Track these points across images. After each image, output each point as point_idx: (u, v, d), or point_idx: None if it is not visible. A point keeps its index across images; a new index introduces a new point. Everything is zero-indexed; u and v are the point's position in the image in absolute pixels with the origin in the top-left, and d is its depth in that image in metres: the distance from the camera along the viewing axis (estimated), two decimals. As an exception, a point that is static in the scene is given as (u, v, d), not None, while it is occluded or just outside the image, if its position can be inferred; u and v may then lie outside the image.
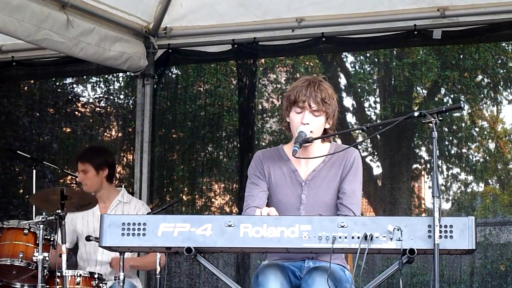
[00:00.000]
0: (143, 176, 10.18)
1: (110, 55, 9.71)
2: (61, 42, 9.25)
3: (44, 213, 8.26)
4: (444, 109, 5.60)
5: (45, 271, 8.01)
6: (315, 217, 5.64)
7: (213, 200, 12.70)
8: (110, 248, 5.90)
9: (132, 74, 10.35)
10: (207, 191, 12.30)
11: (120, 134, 11.90)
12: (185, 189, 11.76)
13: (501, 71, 13.76)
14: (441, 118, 5.52)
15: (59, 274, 8.12)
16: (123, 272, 8.24)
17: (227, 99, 11.40)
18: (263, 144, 10.81)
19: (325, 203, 6.12)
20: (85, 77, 11.71)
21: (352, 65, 14.76)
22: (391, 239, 5.40)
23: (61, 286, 8.22)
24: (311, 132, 6.05)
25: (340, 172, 6.16)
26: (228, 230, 5.55)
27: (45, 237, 8.11)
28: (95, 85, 12.25)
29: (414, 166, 15.44)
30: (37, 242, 8.16)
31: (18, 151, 9.40)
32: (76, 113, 12.46)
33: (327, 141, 6.27)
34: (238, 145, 10.92)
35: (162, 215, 5.87)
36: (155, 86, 10.29)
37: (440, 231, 5.35)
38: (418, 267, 5.20)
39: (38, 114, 12.01)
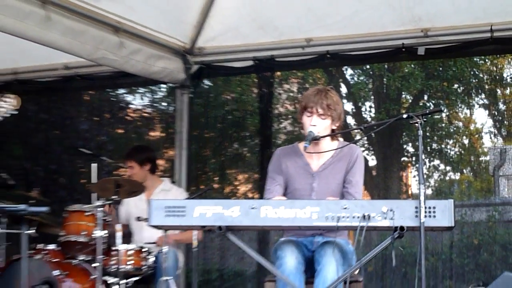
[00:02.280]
0: (182, 168, 10.20)
1: (155, 70, 9.75)
2: (115, 60, 9.27)
3: (102, 199, 8.32)
4: (427, 112, 5.68)
5: (103, 245, 8.06)
6: (323, 201, 5.68)
7: (238, 187, 12.74)
8: (156, 227, 5.91)
9: (172, 85, 10.37)
10: (233, 180, 12.35)
11: (163, 134, 11.94)
12: (216, 178, 11.82)
13: (474, 80, 13.79)
14: (425, 119, 5.62)
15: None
16: (167, 247, 8.29)
17: (250, 105, 11.45)
18: (279, 141, 10.82)
19: (333, 190, 6.16)
20: (134, 88, 11.68)
21: (351, 76, 14.81)
22: (385, 218, 5.44)
23: (116, 257, 8.26)
24: (318, 132, 6.10)
25: (346, 165, 6.23)
26: (252, 211, 5.58)
27: (103, 218, 8.15)
28: (142, 94, 12.29)
29: (403, 159, 15.48)
30: (96, 222, 8.19)
31: (80, 149, 9.41)
32: (127, 117, 12.49)
33: (335, 139, 6.33)
34: (259, 143, 10.95)
35: (198, 200, 5.89)
36: (191, 95, 10.29)
37: (425, 212, 5.39)
38: (407, 241, 5.23)
39: (96, 118, 12.05)
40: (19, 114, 6.92)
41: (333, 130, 6.23)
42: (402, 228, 5.39)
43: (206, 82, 10.63)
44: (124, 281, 8.31)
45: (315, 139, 6.12)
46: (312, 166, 6.29)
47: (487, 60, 14.13)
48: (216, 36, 9.79)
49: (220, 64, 10.15)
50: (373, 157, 14.57)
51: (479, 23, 8.78)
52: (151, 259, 8.46)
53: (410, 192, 15.78)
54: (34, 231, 7.64)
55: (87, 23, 8.79)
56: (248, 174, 12.67)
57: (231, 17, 9.48)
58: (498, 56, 11.69)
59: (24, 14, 8.11)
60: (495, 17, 8.68)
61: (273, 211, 5.55)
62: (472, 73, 13.66)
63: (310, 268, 5.93)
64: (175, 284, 8.43)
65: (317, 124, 6.15)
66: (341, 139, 6.39)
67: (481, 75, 14.62)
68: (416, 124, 5.53)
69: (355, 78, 14.94)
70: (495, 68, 14.88)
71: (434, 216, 5.37)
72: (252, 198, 11.77)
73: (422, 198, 5.32)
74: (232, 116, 11.82)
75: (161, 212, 5.65)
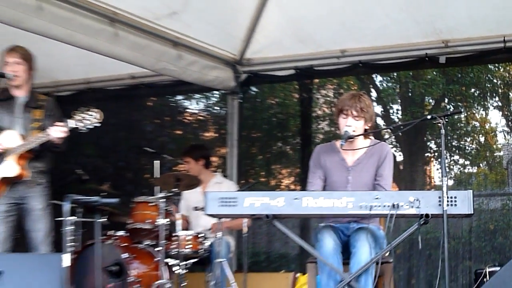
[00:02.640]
0: (233, 164, 10.19)
1: (209, 78, 9.74)
2: (174, 70, 9.30)
3: (164, 191, 8.32)
4: (448, 113, 5.66)
5: (165, 232, 8.07)
6: (357, 192, 5.70)
7: (282, 180, 12.71)
8: (211, 215, 5.98)
9: (224, 92, 10.37)
10: (277, 174, 12.32)
11: (216, 135, 11.95)
12: (262, 173, 11.80)
13: (488, 85, 13.69)
14: (446, 120, 5.56)
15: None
16: (221, 232, 8.27)
17: (292, 109, 11.42)
18: (318, 140, 10.75)
19: (365, 182, 6.13)
20: (190, 94, 11.69)
21: (380, 83, 14.71)
22: (412, 207, 5.42)
23: (177, 242, 8.26)
24: (353, 131, 6.08)
25: (377, 161, 6.19)
26: (295, 202, 5.59)
27: (165, 208, 8.15)
28: (198, 100, 12.29)
29: (426, 154, 15.36)
30: (159, 211, 8.19)
31: (144, 148, 9.42)
32: (185, 120, 12.51)
33: (368, 138, 6.29)
34: (300, 142, 10.94)
35: (247, 192, 5.86)
36: (240, 100, 10.28)
37: (447, 201, 5.33)
38: (431, 227, 5.19)
39: (158, 121, 12.08)
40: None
41: (365, 130, 6.19)
42: (427, 215, 5.37)
43: (253, 88, 10.61)
44: (184, 263, 8.32)
45: (350, 138, 6.10)
46: (347, 161, 6.24)
47: (500, 67, 14.02)
48: (262, 49, 9.77)
49: (265, 73, 10.11)
50: (400, 153, 14.46)
51: (493, 35, 8.69)
52: (207, 243, 8.47)
53: (433, 184, 15.62)
54: (105, 219, 7.74)
55: (149, 39, 8.82)
56: (291, 169, 12.64)
57: (274, 32, 9.46)
58: (510, 63, 11.60)
59: (95, 31, 8.15)
60: (507, 29, 8.59)
61: (313, 201, 5.55)
62: (487, 78, 13.58)
63: (346, 251, 5.89)
64: (227, 265, 8.42)
65: (351, 124, 6.12)
66: (372, 138, 6.35)
67: (495, 81, 14.53)
68: (439, 124, 5.51)
69: (384, 84, 14.86)
70: (507, 74, 14.77)
71: (455, 205, 5.33)
72: (294, 189, 11.73)
73: (444, 189, 5.29)
74: (276, 118, 11.80)
75: (215, 202, 5.67)
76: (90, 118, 6.90)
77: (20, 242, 7.39)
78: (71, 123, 6.89)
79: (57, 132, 6.88)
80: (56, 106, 7.39)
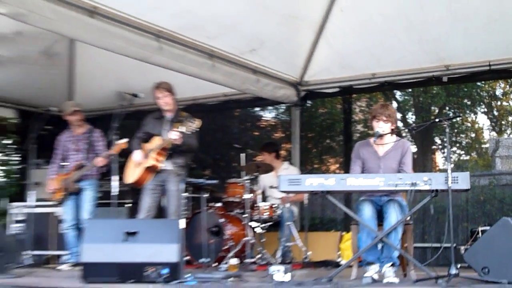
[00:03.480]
0: (296, 155, 10.17)
1: (278, 95, 9.77)
2: (254, 90, 9.35)
3: (248, 175, 8.39)
4: (451, 117, 5.71)
5: (250, 203, 8.15)
6: (387, 174, 5.74)
7: (329, 167, 12.65)
8: (283, 191, 5.99)
9: (289, 104, 10.36)
10: (327, 163, 12.26)
11: (283, 135, 11.95)
12: (316, 161, 11.75)
13: (477, 97, 13.55)
14: (450, 122, 5.54)
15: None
16: (288, 203, 8.33)
17: (336, 116, 11.45)
18: (355, 138, 10.70)
19: (392, 168, 6.07)
20: (265, 106, 11.73)
21: (399, 96, 14.59)
22: (425, 184, 5.43)
23: (258, 210, 8.33)
24: (382, 131, 6.08)
25: (400, 152, 6.16)
26: (342, 181, 5.65)
27: (249, 186, 8.23)
28: (270, 110, 12.31)
29: (432, 147, 15.23)
30: (245, 189, 8.27)
31: (234, 145, 9.53)
32: (261, 125, 12.53)
33: (393, 135, 6.24)
34: (343, 139, 10.90)
35: (307, 175, 5.88)
36: (300, 110, 10.28)
37: (451, 180, 5.31)
38: (439, 198, 5.17)
39: (242, 126, 12.12)
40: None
41: (391, 130, 6.18)
42: (436, 190, 5.42)
43: (309, 102, 10.57)
44: (263, 225, 8.41)
45: (381, 136, 6.10)
46: (379, 152, 6.20)
47: (486, 84, 13.90)
48: (315, 74, 9.76)
49: (318, 90, 10.09)
50: (415, 146, 14.37)
51: (480, 61, 8.63)
52: (279, 211, 8.51)
53: (437, 168, 15.51)
54: (207, 195, 7.80)
55: (236, 68, 8.90)
56: (336, 158, 12.60)
57: (324, 62, 9.44)
58: (493, 81, 11.50)
59: (199, 64, 8.32)
60: (491, 57, 8.51)
61: (355, 181, 5.62)
62: (476, 92, 13.46)
63: (379, 217, 5.87)
64: (293, 226, 8.49)
65: (381, 126, 6.11)
66: (395, 136, 6.34)
67: (482, 93, 14.41)
68: (444, 125, 5.55)
69: (402, 97, 14.78)
70: (491, 89, 14.64)
71: (457, 182, 5.34)
72: (339, 173, 11.70)
73: (449, 171, 5.31)
74: (325, 122, 11.80)
75: (286, 182, 5.72)
76: (193, 125, 7.01)
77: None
78: (181, 128, 7.00)
79: (172, 134, 7.01)
80: (190, 118, 7.46)
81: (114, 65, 9.24)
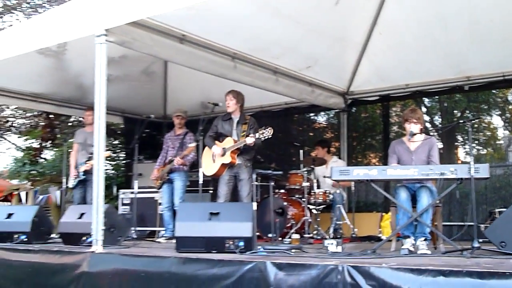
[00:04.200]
0: (344, 151, 10.08)
1: (329, 103, 9.69)
2: (310, 99, 9.33)
3: (305, 167, 8.37)
4: (472, 119, 5.63)
5: (307, 189, 8.12)
6: (419, 165, 5.67)
7: (372, 160, 12.44)
8: (334, 180, 6.01)
9: (338, 110, 10.27)
10: (368, 157, 12.08)
11: (332, 135, 11.82)
12: (359, 156, 11.59)
13: (493, 102, 13.16)
14: (471, 123, 5.45)
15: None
16: (338, 190, 8.27)
17: (377, 119, 11.21)
18: (391, 137, 10.48)
19: (423, 160, 6.00)
20: (318, 112, 11.64)
21: (428, 102, 14.27)
22: (452, 173, 5.34)
23: (314, 195, 8.30)
24: (414, 131, 6.01)
25: (429, 148, 6.08)
26: (383, 171, 5.58)
27: (307, 176, 8.21)
28: (322, 115, 12.18)
29: (455, 144, 14.88)
30: (303, 178, 8.26)
31: (294, 143, 9.54)
32: (315, 127, 12.43)
33: (422, 134, 6.16)
34: (382, 138, 10.74)
35: (354, 167, 5.85)
36: (347, 115, 10.20)
37: (474, 170, 5.21)
38: (463, 186, 5.07)
39: (300, 128, 12.05)
40: (262, 125, 7.09)
41: (421, 130, 6.11)
42: (461, 179, 5.30)
43: (354, 108, 10.46)
44: (318, 207, 8.39)
45: (413, 135, 6.04)
46: (411, 148, 6.12)
47: (500, 92, 13.52)
48: (359, 85, 9.65)
49: (361, 99, 9.98)
50: (441, 143, 14.06)
51: (496, 72, 8.43)
52: (331, 196, 8.47)
53: (460, 161, 15.15)
54: (273, 183, 7.79)
55: (296, 81, 8.88)
56: (376, 153, 12.38)
57: (366, 75, 9.34)
58: (506, 89, 11.22)
59: (265, 78, 8.36)
60: (504, 68, 8.31)
61: (394, 171, 5.56)
62: (492, 98, 13.11)
63: (413, 200, 5.82)
64: (343, 208, 8.44)
65: (413, 127, 6.06)
66: (424, 134, 6.25)
67: (497, 99, 14.02)
68: (467, 126, 5.56)
69: (430, 103, 14.50)
70: (503, 95, 14.24)
71: (479, 172, 5.22)
72: (379, 165, 11.56)
73: (472, 163, 5.21)
74: (367, 125, 11.59)
75: (337, 173, 5.72)
76: (266, 133, 7.07)
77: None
78: (257, 135, 7.08)
79: (250, 140, 7.08)
80: (255, 122, 7.54)
81: (198, 80, 9.35)
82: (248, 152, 7.43)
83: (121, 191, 10.17)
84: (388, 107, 10.33)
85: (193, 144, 7.66)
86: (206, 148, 7.55)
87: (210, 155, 7.47)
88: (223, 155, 7.31)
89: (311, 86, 9.16)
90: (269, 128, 7.06)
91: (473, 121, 5.88)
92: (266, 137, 7.07)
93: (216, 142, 7.49)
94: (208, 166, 7.46)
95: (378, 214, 9.05)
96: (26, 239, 6.77)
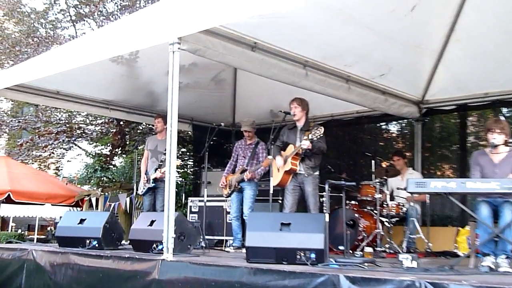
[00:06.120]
0: (418, 162, 9.88)
1: (403, 112, 9.53)
2: (383, 108, 9.19)
3: (377, 178, 8.26)
4: None
5: (380, 201, 7.99)
6: (502, 179, 5.42)
7: (446, 172, 12.13)
8: (410, 192, 6.04)
9: (411, 119, 10.09)
10: (441, 168, 11.78)
11: (403, 145, 11.60)
12: (432, 167, 11.30)
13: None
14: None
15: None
16: (412, 202, 8.10)
17: (452, 129, 10.90)
18: (468, 146, 10.20)
19: (507, 173, 5.75)
20: (390, 121, 11.42)
21: (506, 112, 13.85)
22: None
23: (387, 208, 8.16)
24: (497, 142, 5.86)
25: None
26: (462, 184, 5.43)
27: (379, 188, 8.09)
28: (394, 124, 11.95)
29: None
30: (376, 190, 8.16)
31: (365, 153, 9.44)
32: (386, 136, 12.24)
33: (506, 145, 5.95)
34: (459, 148, 10.46)
35: (430, 179, 5.69)
36: (422, 124, 10.01)
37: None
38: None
39: (370, 137, 11.88)
40: (333, 134, 7.04)
41: (505, 141, 5.92)
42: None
43: (428, 117, 10.23)
44: (391, 220, 8.26)
45: (495, 146, 5.87)
46: (494, 160, 5.91)
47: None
48: (434, 94, 9.47)
49: (437, 108, 9.75)
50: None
51: (497, 91, 8.69)
52: (404, 209, 8.33)
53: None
54: (344, 194, 7.69)
55: (368, 90, 8.78)
56: (450, 165, 12.09)
57: (442, 83, 9.16)
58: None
59: (337, 87, 8.32)
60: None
61: (474, 184, 5.33)
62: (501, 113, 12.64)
63: (495, 216, 5.62)
64: (417, 222, 8.25)
65: (496, 138, 5.88)
66: (509, 147, 6.04)
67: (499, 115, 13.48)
68: None
69: (510, 113, 14.03)
70: None
71: None
72: (453, 177, 11.26)
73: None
74: (440, 135, 11.33)
75: (413, 185, 5.54)
76: (318, 132, 7.04)
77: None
78: (310, 136, 7.08)
79: (305, 143, 7.08)
80: (318, 127, 7.45)
81: (268, 88, 9.42)
82: (311, 159, 7.39)
83: (190, 199, 10.32)
84: (465, 116, 10.07)
85: (270, 157, 7.64)
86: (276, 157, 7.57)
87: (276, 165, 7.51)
88: (285, 163, 7.32)
89: (385, 95, 9.03)
90: (321, 127, 7.07)
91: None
92: (318, 136, 7.03)
93: (282, 152, 7.50)
94: (275, 176, 7.49)
95: (454, 229, 8.76)
96: (97, 245, 6.97)
